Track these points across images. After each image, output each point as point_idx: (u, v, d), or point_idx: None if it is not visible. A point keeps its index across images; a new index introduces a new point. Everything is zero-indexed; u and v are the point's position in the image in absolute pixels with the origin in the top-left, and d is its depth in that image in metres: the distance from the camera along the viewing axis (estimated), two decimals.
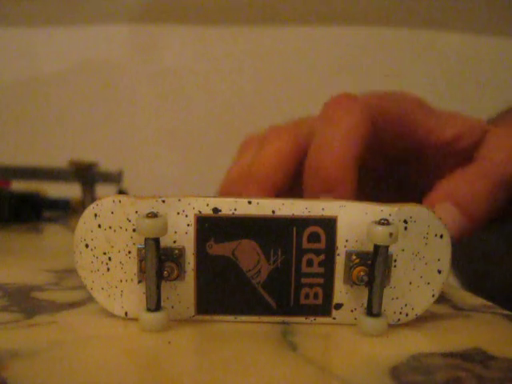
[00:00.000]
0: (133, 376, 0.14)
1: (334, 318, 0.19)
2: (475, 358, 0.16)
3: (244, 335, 0.18)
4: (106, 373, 0.14)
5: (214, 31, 1.27)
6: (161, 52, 1.31)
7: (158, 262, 0.17)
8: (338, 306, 0.18)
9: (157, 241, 0.17)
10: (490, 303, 0.22)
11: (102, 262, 0.18)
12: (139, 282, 0.18)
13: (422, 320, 0.19)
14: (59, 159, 0.83)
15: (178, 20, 1.26)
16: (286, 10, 1.20)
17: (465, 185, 0.21)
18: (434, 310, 0.21)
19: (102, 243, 0.18)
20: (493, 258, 0.56)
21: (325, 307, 0.18)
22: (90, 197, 0.78)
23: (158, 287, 0.17)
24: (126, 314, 0.18)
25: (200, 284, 0.18)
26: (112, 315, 0.18)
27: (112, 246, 0.18)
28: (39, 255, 0.33)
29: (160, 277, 0.17)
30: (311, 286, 0.18)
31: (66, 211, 0.69)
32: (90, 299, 0.20)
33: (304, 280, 0.18)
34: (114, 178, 0.73)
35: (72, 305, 0.20)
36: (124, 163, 0.98)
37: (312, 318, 0.19)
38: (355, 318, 0.18)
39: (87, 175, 0.76)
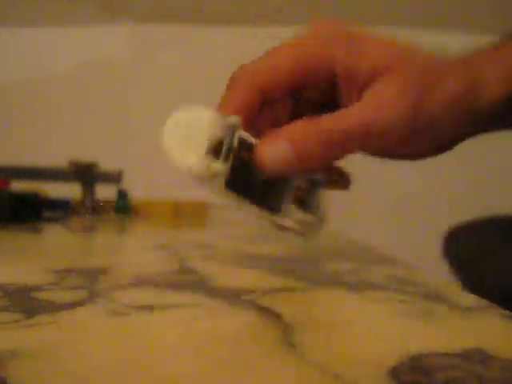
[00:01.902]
0: (132, 376, 0.15)
1: None
2: (475, 357, 0.16)
3: (244, 335, 0.18)
4: (105, 373, 0.14)
5: (215, 31, 1.27)
6: (161, 52, 1.31)
7: None
8: None
9: None
10: (490, 303, 0.22)
11: None
12: None
13: (422, 320, 0.19)
14: (59, 159, 0.83)
15: (178, 20, 1.26)
16: (287, 10, 1.21)
17: (307, 124, 0.21)
18: (434, 310, 0.21)
19: None
20: (493, 259, 0.56)
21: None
22: (90, 197, 0.78)
23: None
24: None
25: None
26: (112, 315, 0.18)
27: None
28: (39, 255, 0.33)
29: None
30: None
31: (66, 211, 0.69)
32: (90, 299, 0.20)
33: None
34: (113, 178, 0.73)
35: (72, 305, 0.20)
36: (124, 163, 0.98)
37: None
38: None
39: (87, 175, 0.76)
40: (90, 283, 0.25)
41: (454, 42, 1.32)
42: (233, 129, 0.21)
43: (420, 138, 0.23)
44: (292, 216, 0.22)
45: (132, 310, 0.20)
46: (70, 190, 0.88)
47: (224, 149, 0.21)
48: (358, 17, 1.22)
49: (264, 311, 0.21)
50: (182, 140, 0.21)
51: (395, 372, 0.14)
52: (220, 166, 0.20)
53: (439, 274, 0.35)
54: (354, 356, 0.16)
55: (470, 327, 0.19)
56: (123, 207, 0.85)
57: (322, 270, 0.33)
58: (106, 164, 0.93)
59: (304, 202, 0.23)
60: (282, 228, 0.23)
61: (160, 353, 0.16)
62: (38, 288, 0.23)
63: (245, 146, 0.21)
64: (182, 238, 0.55)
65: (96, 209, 0.81)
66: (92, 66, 1.27)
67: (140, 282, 0.26)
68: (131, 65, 1.28)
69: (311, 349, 0.16)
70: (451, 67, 0.23)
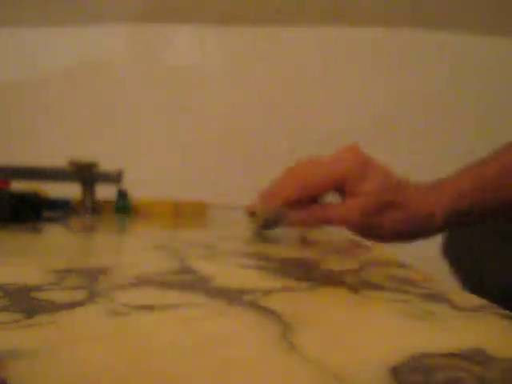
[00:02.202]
0: (132, 376, 0.15)
1: None
2: (475, 357, 0.16)
3: (244, 335, 0.18)
4: (105, 373, 0.14)
5: (215, 31, 1.27)
6: (161, 52, 1.31)
7: None
8: None
9: None
10: (490, 303, 0.22)
11: None
12: None
13: (422, 320, 0.19)
14: (59, 159, 0.83)
15: (178, 20, 1.26)
16: (287, 10, 1.20)
17: (309, 212, 0.42)
18: (434, 310, 0.21)
19: None
20: (493, 259, 0.56)
21: None
22: (90, 197, 0.78)
23: None
24: None
25: None
26: (112, 315, 0.18)
27: None
28: (39, 255, 0.33)
29: None
30: None
31: (66, 211, 0.68)
32: (90, 299, 0.20)
33: None
34: (113, 178, 0.73)
35: (72, 305, 0.20)
36: (124, 163, 0.98)
37: None
38: None
39: (87, 175, 0.76)
40: (90, 283, 0.25)
41: (454, 42, 1.32)
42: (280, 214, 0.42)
43: (373, 235, 0.41)
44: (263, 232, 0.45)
45: (132, 309, 0.20)
46: (70, 190, 0.88)
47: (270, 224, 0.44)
48: (358, 17, 1.22)
49: (264, 311, 0.21)
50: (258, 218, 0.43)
51: (395, 372, 0.14)
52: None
53: (439, 274, 0.35)
54: (354, 356, 0.16)
55: (470, 327, 0.19)
56: (123, 207, 0.85)
57: (322, 270, 0.33)
58: (106, 164, 0.94)
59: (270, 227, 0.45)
60: (261, 235, 0.45)
61: (160, 353, 0.16)
62: (38, 288, 0.23)
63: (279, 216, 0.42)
64: (182, 237, 0.55)
65: (96, 209, 0.81)
66: (92, 66, 1.27)
67: (140, 282, 0.26)
68: (131, 65, 1.28)
69: (311, 349, 0.16)
70: (408, 202, 0.39)
